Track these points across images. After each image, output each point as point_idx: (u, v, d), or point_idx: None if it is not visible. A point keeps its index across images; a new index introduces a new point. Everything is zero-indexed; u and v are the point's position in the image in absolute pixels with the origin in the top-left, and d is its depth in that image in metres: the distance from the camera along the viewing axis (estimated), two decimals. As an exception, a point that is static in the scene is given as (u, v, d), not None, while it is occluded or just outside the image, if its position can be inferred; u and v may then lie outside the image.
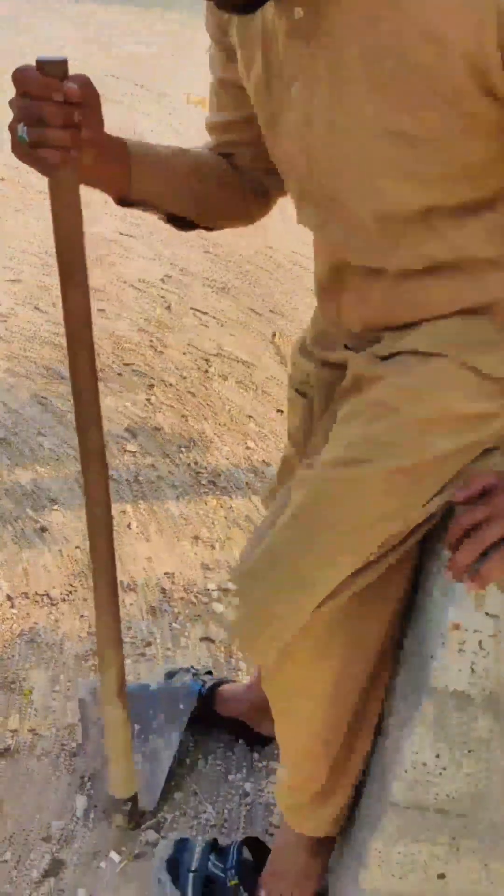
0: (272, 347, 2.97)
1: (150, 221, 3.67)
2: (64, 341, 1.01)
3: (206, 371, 2.78)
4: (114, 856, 1.36)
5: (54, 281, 1.36)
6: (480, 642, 0.86)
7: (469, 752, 0.95)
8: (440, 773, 0.98)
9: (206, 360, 2.84)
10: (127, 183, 1.02)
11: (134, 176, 1.02)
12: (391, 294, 0.97)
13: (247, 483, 2.26)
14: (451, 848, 1.05)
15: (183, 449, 2.40)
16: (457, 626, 0.86)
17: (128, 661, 1.71)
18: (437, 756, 0.96)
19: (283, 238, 3.73)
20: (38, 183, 3.77)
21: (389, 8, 0.77)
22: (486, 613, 0.85)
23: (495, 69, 0.75)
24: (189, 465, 2.34)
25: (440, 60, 0.76)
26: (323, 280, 1.08)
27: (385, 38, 0.78)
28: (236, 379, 2.76)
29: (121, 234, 3.65)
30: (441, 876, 1.09)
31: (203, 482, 2.28)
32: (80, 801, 1.44)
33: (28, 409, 2.50)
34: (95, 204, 1.44)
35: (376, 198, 0.89)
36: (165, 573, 1.95)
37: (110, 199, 1.05)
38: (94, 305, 2.97)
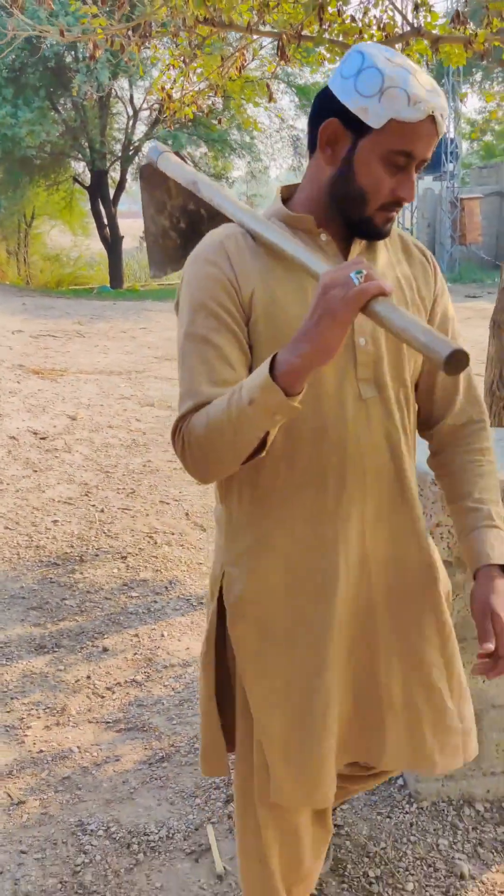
0: (187, 521, 3.97)
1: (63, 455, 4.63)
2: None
3: (155, 542, 3.71)
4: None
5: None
6: None
7: None
8: None
9: (150, 536, 3.77)
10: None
11: None
12: None
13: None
14: None
15: (168, 588, 3.27)
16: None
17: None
18: None
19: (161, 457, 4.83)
20: None
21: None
22: None
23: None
24: (178, 596, 3.21)
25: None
26: None
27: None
28: (178, 543, 3.71)
29: (35, 470, 4.56)
30: None
31: (194, 604, 3.15)
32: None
33: (43, 586, 3.26)
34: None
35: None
36: (204, 653, 2.77)
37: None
38: (49, 518, 3.84)
